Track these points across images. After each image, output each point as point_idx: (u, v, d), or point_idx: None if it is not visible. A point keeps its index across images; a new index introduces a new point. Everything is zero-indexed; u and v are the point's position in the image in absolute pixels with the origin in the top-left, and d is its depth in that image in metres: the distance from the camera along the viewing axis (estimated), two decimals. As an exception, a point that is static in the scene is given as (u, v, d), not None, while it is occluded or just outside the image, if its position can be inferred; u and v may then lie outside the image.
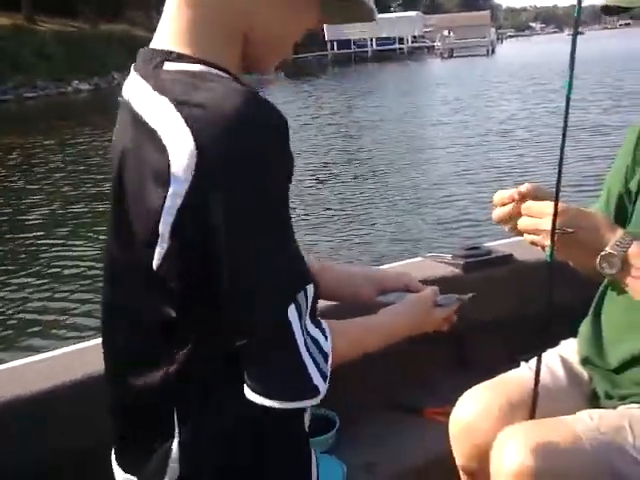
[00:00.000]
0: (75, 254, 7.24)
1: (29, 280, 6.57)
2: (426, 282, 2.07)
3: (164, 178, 0.78)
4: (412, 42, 68.87)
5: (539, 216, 1.30)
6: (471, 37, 68.35)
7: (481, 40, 64.78)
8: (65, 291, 6.12)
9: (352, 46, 63.05)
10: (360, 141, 13.60)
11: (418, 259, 2.22)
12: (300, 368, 0.83)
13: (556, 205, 1.25)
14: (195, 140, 0.76)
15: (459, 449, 1.53)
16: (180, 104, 0.79)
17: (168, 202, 0.78)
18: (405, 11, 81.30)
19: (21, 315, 5.76)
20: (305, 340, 0.83)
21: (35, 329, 5.39)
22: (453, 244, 6.54)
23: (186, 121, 0.77)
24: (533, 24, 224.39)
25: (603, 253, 1.28)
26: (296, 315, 0.82)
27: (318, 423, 1.03)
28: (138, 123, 0.83)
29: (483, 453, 1.41)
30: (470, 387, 1.57)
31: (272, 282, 0.81)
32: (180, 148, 0.77)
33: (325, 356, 0.86)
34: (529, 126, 13.84)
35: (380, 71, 42.83)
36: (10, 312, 5.83)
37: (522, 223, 1.33)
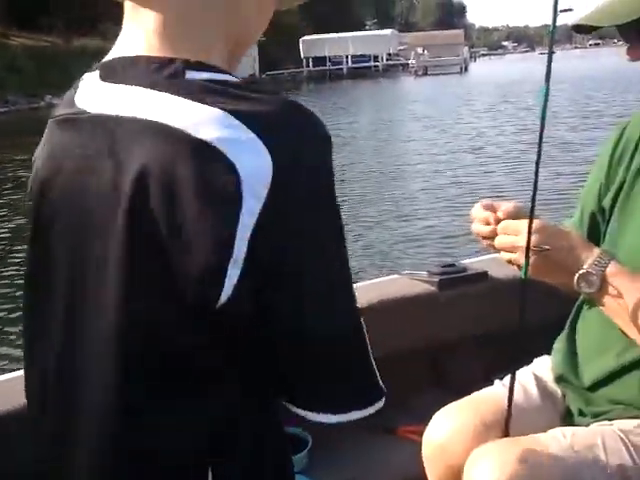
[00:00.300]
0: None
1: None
2: (401, 300, 2.06)
3: (233, 197, 0.68)
4: (387, 60, 69.53)
5: (515, 234, 1.30)
6: (445, 55, 69.26)
7: (455, 58, 65.76)
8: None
9: (327, 63, 63.50)
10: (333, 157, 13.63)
11: (393, 277, 2.21)
12: (373, 368, 0.79)
13: (530, 222, 1.24)
14: (270, 153, 0.69)
15: (433, 470, 1.51)
16: (241, 114, 0.70)
17: (242, 223, 0.68)
18: (380, 29, 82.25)
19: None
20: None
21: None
22: (425, 261, 6.56)
23: (255, 132, 0.70)
24: (506, 43, 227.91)
25: (582, 272, 1.28)
26: (363, 324, 0.78)
27: (289, 442, 1.00)
28: (173, 139, 0.71)
29: (457, 473, 1.39)
30: (445, 405, 1.54)
31: (348, 286, 0.77)
32: (252, 163, 0.69)
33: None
34: (500, 143, 14.05)
35: (354, 88, 43.12)
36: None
37: (499, 241, 1.33)
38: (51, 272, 0.82)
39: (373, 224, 8.29)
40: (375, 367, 0.79)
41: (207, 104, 0.71)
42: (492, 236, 1.35)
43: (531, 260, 1.26)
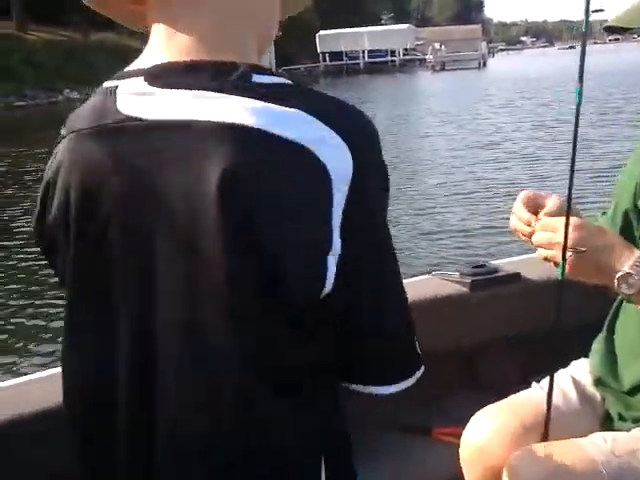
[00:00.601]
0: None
1: (17, 286, 6.53)
2: (433, 300, 2.07)
3: (326, 195, 0.72)
4: (404, 55, 69.36)
5: (553, 231, 1.28)
6: (462, 50, 68.87)
7: (472, 54, 65.35)
8: (52, 304, 6.02)
9: (344, 58, 63.44)
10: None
11: (425, 277, 2.20)
12: (416, 343, 0.86)
13: (567, 220, 1.23)
14: (351, 152, 0.73)
15: (471, 472, 1.49)
16: (323, 116, 0.73)
17: (334, 219, 0.72)
18: (397, 24, 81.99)
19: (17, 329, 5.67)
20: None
21: (36, 345, 5.27)
22: (445, 257, 6.53)
23: (340, 134, 0.73)
24: (524, 38, 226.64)
25: (622, 273, 1.25)
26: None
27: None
28: (259, 142, 0.71)
29: (495, 476, 1.38)
30: (480, 407, 1.53)
31: (400, 275, 0.84)
32: (339, 162, 0.72)
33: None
34: (516, 138, 13.96)
35: (371, 83, 43.04)
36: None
37: (536, 238, 1.32)
38: (113, 274, 0.80)
39: (391, 219, 8.27)
40: (416, 340, 0.86)
41: (283, 105, 0.73)
42: (531, 232, 1.33)
43: (568, 259, 1.25)
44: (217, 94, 0.74)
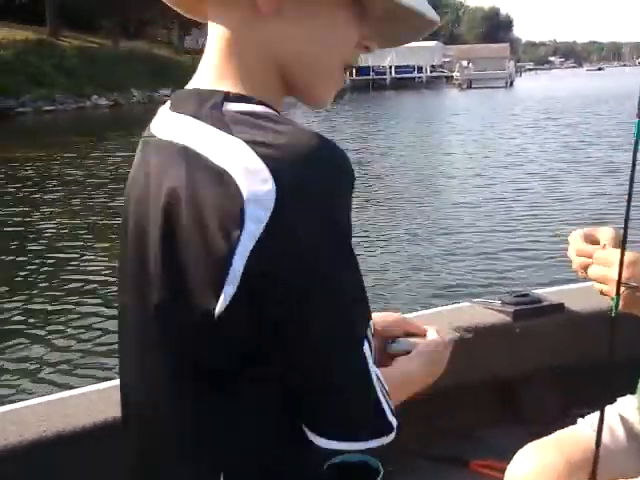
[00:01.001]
0: (89, 269, 7.28)
1: (38, 291, 6.59)
2: (474, 329, 2.03)
3: (236, 220, 0.75)
4: (430, 71, 69.36)
5: (607, 265, 1.27)
6: (490, 69, 68.73)
7: (500, 72, 65.14)
8: (79, 312, 6.05)
9: (371, 73, 63.59)
10: (372, 167, 13.68)
11: (465, 304, 2.15)
12: (377, 404, 0.82)
13: (622, 256, 1.21)
14: (274, 180, 0.75)
15: None
16: (256, 145, 0.77)
17: (241, 245, 0.75)
18: (425, 40, 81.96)
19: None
20: (376, 374, 0.83)
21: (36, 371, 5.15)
22: (469, 279, 6.50)
23: (264, 161, 0.75)
24: (552, 58, 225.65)
25: None
26: (368, 350, 0.81)
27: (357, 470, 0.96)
28: (197, 165, 0.79)
29: None
30: (520, 440, 1.50)
31: (350, 321, 0.80)
32: (257, 188, 0.75)
33: (387, 391, 0.85)
34: (540, 160, 13.86)
35: (397, 99, 43.10)
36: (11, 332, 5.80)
37: (591, 272, 1.30)
38: (125, 269, 0.92)
39: (411, 237, 8.26)
40: (384, 401, 0.83)
41: (231, 134, 0.78)
42: (586, 266, 1.31)
43: (622, 294, 1.23)
44: (193, 119, 0.83)
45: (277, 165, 0.75)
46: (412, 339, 1.09)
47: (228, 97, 0.83)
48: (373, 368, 0.82)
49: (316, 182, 0.76)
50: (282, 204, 0.74)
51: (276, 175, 0.75)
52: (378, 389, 0.82)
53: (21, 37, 36.71)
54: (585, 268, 1.31)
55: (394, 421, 0.84)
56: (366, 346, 0.80)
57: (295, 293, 0.76)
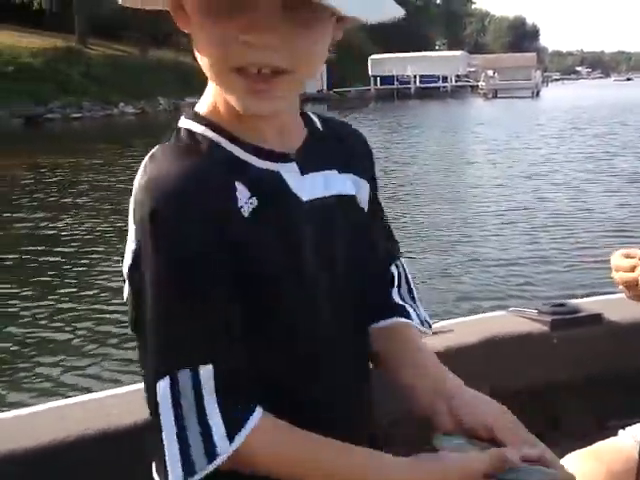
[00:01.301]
0: (117, 272, 7.34)
1: (67, 293, 6.69)
2: (511, 338, 2.01)
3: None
4: (456, 81, 69.07)
5: None
6: (516, 79, 68.19)
7: (526, 82, 64.56)
8: (108, 316, 6.12)
9: (395, 82, 63.50)
10: (395, 175, 13.69)
11: (501, 313, 2.13)
12: (167, 449, 0.81)
13: None
14: (134, 203, 0.88)
15: None
16: (150, 162, 0.89)
17: (127, 258, 0.92)
18: (450, 50, 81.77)
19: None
20: (181, 421, 0.80)
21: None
22: (495, 286, 6.49)
23: (138, 182, 0.88)
24: (579, 68, 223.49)
25: None
26: (169, 390, 0.81)
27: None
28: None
29: None
30: (557, 451, 1.52)
31: (158, 349, 0.85)
32: (137, 206, 0.87)
33: (210, 453, 0.79)
34: (565, 170, 13.76)
35: (422, 108, 42.96)
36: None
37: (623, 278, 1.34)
38: None
39: (436, 245, 8.27)
40: (175, 453, 0.79)
41: (163, 143, 0.92)
42: (635, 284, 1.33)
43: None
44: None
45: (138, 189, 0.88)
46: (468, 444, 0.96)
47: (188, 115, 0.93)
48: (185, 410, 0.81)
49: (144, 206, 0.85)
50: (137, 230, 0.89)
51: (135, 199, 0.89)
52: (172, 435, 0.81)
53: (50, 45, 37.25)
54: (625, 282, 1.34)
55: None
56: (165, 383, 0.82)
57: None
